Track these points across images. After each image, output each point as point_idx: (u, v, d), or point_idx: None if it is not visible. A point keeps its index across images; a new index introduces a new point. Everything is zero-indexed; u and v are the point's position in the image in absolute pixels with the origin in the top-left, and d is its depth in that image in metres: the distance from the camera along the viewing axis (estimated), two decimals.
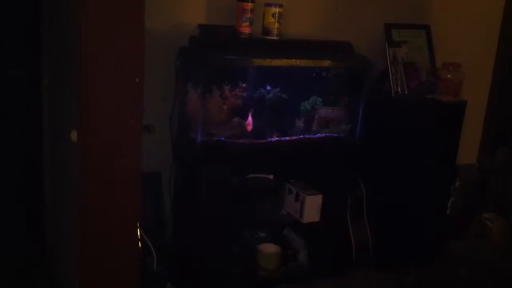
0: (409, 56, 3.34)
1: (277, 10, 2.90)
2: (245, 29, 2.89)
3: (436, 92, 3.34)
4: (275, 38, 2.93)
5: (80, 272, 2.14)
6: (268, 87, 3.01)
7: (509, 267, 3.52)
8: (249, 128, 2.92)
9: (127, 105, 2.03)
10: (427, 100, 3.32)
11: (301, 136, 2.99)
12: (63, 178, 2.74)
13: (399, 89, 3.25)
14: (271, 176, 3.06)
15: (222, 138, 2.79)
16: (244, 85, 2.89)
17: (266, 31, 2.93)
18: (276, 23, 2.91)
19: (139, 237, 2.40)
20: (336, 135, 3.06)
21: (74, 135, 2.04)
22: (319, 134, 3.03)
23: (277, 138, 2.92)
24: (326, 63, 3.01)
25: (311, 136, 3.01)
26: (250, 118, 2.92)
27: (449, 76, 3.33)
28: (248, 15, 2.88)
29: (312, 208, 3.05)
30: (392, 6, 3.48)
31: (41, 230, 3.19)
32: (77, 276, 2.16)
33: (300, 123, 3.06)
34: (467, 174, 3.91)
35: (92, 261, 2.14)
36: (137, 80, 1.96)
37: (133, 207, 2.16)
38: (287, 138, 2.95)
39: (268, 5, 2.91)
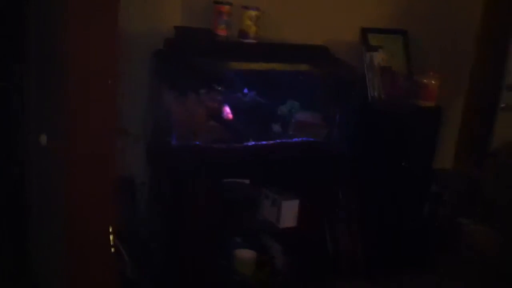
0: (386, 61, 3.34)
1: (255, 13, 2.88)
2: (222, 31, 2.87)
3: (412, 97, 3.35)
4: (252, 41, 2.90)
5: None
6: (246, 90, 2.98)
7: (498, 273, 3.53)
8: (230, 116, 2.88)
9: (101, 109, 1.98)
10: (404, 105, 3.33)
11: (278, 141, 2.96)
12: (44, 185, 2.68)
13: (376, 94, 3.25)
14: (247, 181, 3.03)
15: (198, 142, 2.75)
16: (220, 88, 2.86)
17: (243, 34, 2.91)
18: (253, 26, 2.89)
19: (111, 243, 2.35)
20: (313, 139, 3.04)
21: (43, 139, 1.99)
22: (296, 139, 3.01)
23: (253, 143, 2.89)
24: (303, 67, 2.99)
25: (288, 140, 2.99)
26: (227, 108, 2.88)
27: (425, 81, 3.34)
28: (225, 18, 2.85)
29: (288, 213, 3.03)
30: (369, 11, 3.48)
31: (24, 237, 3.10)
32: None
33: (277, 127, 3.03)
34: (455, 185, 3.89)
35: (69, 267, 2.10)
36: (109, 82, 1.92)
37: (107, 212, 2.12)
38: (264, 142, 2.92)
39: (245, 8, 2.88)
